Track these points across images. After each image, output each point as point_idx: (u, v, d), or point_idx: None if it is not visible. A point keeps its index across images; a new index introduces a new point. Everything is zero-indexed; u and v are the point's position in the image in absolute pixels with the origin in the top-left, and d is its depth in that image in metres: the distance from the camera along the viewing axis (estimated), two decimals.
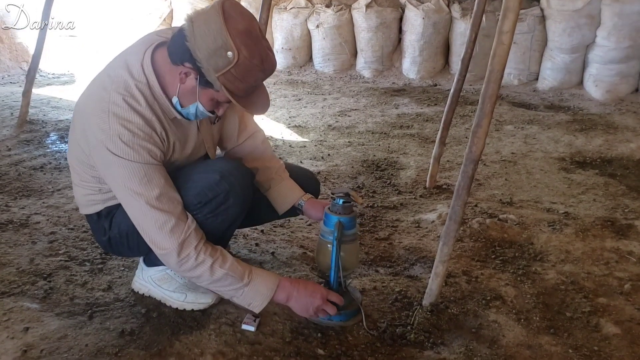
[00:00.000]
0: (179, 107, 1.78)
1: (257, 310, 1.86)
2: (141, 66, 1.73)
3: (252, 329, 1.92)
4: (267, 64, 1.65)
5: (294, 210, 2.18)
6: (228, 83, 1.63)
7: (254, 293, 1.82)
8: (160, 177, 1.73)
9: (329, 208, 2.02)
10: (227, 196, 1.81)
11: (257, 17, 2.94)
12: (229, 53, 1.57)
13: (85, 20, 6.82)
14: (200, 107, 1.76)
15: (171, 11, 7.31)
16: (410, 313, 2.08)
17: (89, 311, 2.00)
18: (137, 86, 1.71)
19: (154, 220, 1.70)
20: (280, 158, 3.82)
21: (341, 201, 1.99)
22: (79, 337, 1.85)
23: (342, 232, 1.96)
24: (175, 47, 1.67)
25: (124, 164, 1.69)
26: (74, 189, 2.00)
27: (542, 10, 5.48)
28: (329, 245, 2.00)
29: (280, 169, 2.15)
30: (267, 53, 1.64)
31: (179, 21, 7.24)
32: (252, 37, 1.60)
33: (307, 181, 2.24)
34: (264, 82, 1.76)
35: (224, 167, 1.85)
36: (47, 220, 2.72)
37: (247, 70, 1.61)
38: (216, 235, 1.89)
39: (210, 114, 1.80)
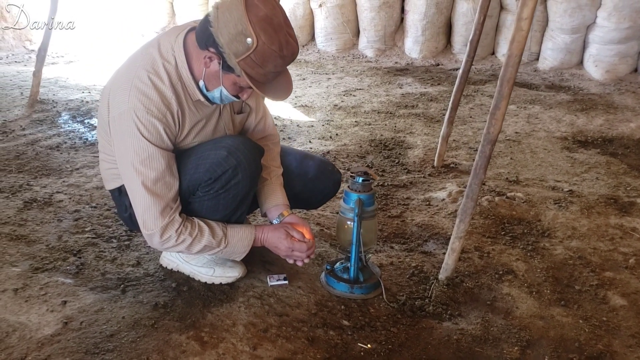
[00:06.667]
0: (205, 91, 1.85)
1: (238, 259, 2.05)
2: (172, 48, 1.81)
3: (285, 282, 2.12)
4: (286, 51, 1.70)
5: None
6: (248, 68, 1.69)
7: (231, 252, 1.98)
8: (162, 162, 1.81)
9: (348, 187, 2.11)
10: (235, 171, 1.87)
11: None
12: (248, 39, 1.63)
13: (85, 15, 6.84)
14: (225, 91, 1.82)
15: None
16: (428, 287, 2.18)
17: (122, 285, 2.09)
18: (164, 65, 1.79)
19: (145, 201, 1.81)
20: (289, 138, 3.91)
21: (361, 179, 2.08)
22: (115, 310, 1.94)
23: (362, 209, 2.05)
24: (201, 32, 1.74)
25: (132, 138, 1.77)
26: (100, 163, 2.08)
27: None
28: (349, 222, 2.10)
29: (274, 173, 2.16)
30: (287, 40, 1.69)
31: (179, 1, 7.23)
32: (272, 24, 1.65)
33: (325, 180, 2.27)
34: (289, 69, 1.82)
35: (231, 143, 1.91)
36: (70, 198, 2.79)
37: (266, 56, 1.67)
38: (230, 210, 1.97)
39: (235, 98, 1.86)
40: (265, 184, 2.11)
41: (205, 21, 1.71)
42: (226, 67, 1.74)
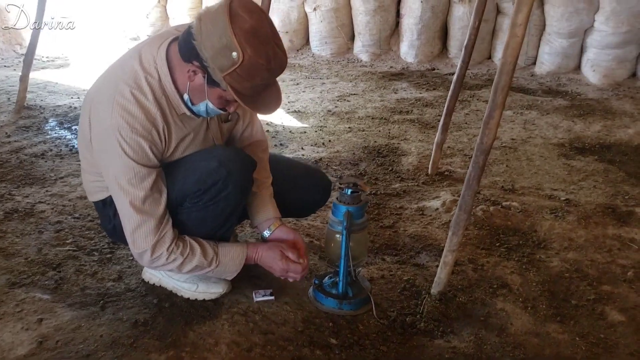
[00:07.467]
0: (190, 104, 1.78)
1: (229, 279, 2.00)
2: (154, 60, 1.73)
3: (271, 298, 2.04)
4: (274, 64, 1.63)
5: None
6: (234, 82, 1.61)
7: (222, 272, 1.93)
8: (149, 180, 1.75)
9: (337, 198, 2.03)
10: (225, 183, 1.81)
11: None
12: (234, 53, 1.56)
13: (81, 9, 6.75)
14: (210, 105, 1.75)
15: None
16: (419, 302, 2.11)
17: (101, 301, 2.01)
18: (147, 79, 1.72)
19: (134, 220, 1.76)
20: (281, 144, 3.84)
21: (349, 191, 2.00)
22: (93, 328, 1.87)
23: (351, 222, 1.98)
24: (184, 44, 1.67)
25: (118, 157, 1.71)
26: (82, 175, 2.01)
27: None
28: (337, 236, 2.02)
29: (264, 185, 2.08)
30: (275, 52, 1.61)
31: (172, 2, 7.15)
32: (258, 37, 1.58)
33: (314, 188, 2.23)
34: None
35: (222, 154, 1.85)
36: (52, 209, 2.71)
37: (253, 70, 1.60)
38: (218, 222, 1.90)
39: (222, 111, 1.80)
40: (254, 197, 2.04)
41: (188, 33, 1.63)
42: (211, 81, 1.66)
